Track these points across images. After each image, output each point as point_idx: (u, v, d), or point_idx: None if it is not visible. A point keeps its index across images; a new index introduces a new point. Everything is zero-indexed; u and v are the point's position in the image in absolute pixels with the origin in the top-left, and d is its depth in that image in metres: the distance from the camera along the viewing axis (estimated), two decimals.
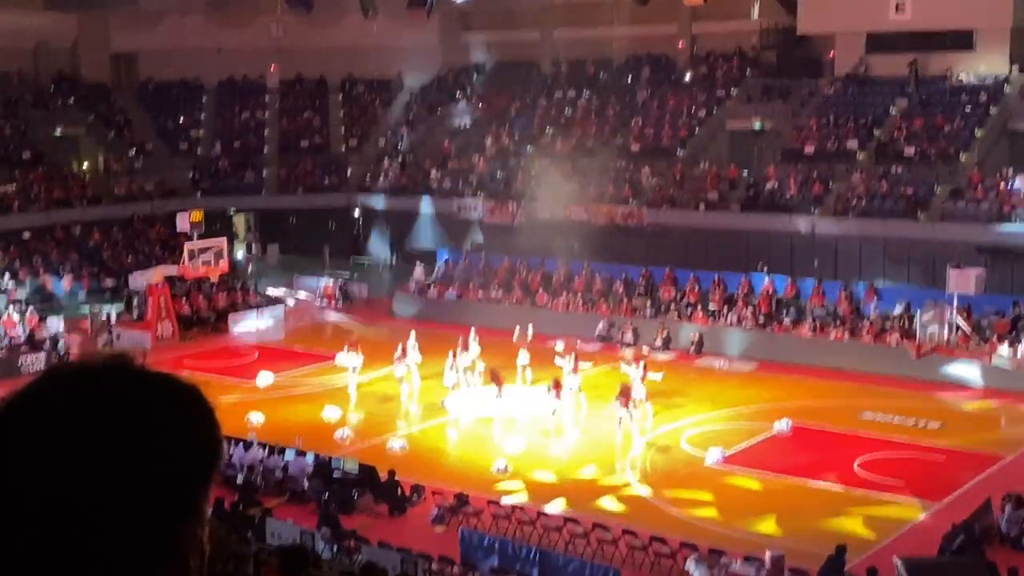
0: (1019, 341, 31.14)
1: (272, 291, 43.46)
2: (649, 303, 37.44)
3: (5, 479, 1.48)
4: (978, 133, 40.20)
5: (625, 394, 26.96)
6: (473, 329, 31.79)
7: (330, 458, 24.50)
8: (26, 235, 44.31)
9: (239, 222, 53.08)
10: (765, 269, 37.51)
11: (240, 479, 23.85)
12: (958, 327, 31.18)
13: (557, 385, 28.14)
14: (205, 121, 54.67)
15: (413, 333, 31.93)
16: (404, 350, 30.99)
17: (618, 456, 25.85)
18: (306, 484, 23.91)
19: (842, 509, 22.76)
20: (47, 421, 1.50)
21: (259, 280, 44.07)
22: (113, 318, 39.10)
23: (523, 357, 31.11)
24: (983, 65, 42.25)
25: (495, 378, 29.02)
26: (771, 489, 24.01)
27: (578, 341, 33.77)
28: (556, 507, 22.53)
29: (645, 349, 32.77)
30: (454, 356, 30.44)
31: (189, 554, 1.56)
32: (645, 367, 28.71)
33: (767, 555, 18.95)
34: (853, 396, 30.47)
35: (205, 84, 55.52)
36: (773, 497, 23.54)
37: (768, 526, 21.84)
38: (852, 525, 21.58)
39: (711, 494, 23.63)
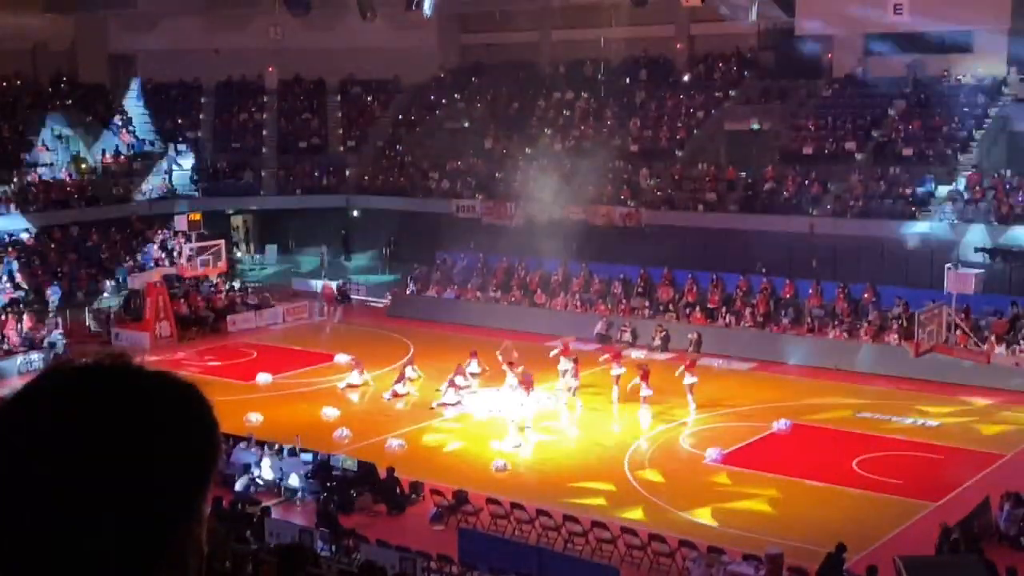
0: (1017, 341, 31.19)
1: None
2: (647, 303, 37.45)
3: (3, 479, 1.47)
4: (976, 134, 40.23)
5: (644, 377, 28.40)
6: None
7: (329, 457, 24.50)
8: (24, 236, 44.29)
9: (237, 223, 53.06)
10: (763, 270, 37.53)
11: (238, 478, 23.83)
12: (956, 327, 31.19)
13: (526, 381, 28.52)
14: (204, 122, 54.65)
15: (410, 358, 32.24)
16: (402, 375, 31.24)
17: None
18: (304, 483, 23.91)
19: (840, 508, 22.78)
20: (45, 421, 1.49)
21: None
22: (112, 318, 39.11)
23: (564, 363, 30.87)
24: (981, 67, 42.26)
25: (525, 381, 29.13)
26: (769, 488, 24.00)
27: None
28: (555, 506, 22.52)
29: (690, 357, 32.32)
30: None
31: (188, 554, 1.55)
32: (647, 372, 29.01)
33: (766, 553, 18.96)
34: (851, 396, 30.49)
35: (203, 85, 55.50)
36: (772, 496, 23.54)
37: (767, 524, 21.83)
38: (851, 523, 21.56)
39: (710, 493, 23.63)
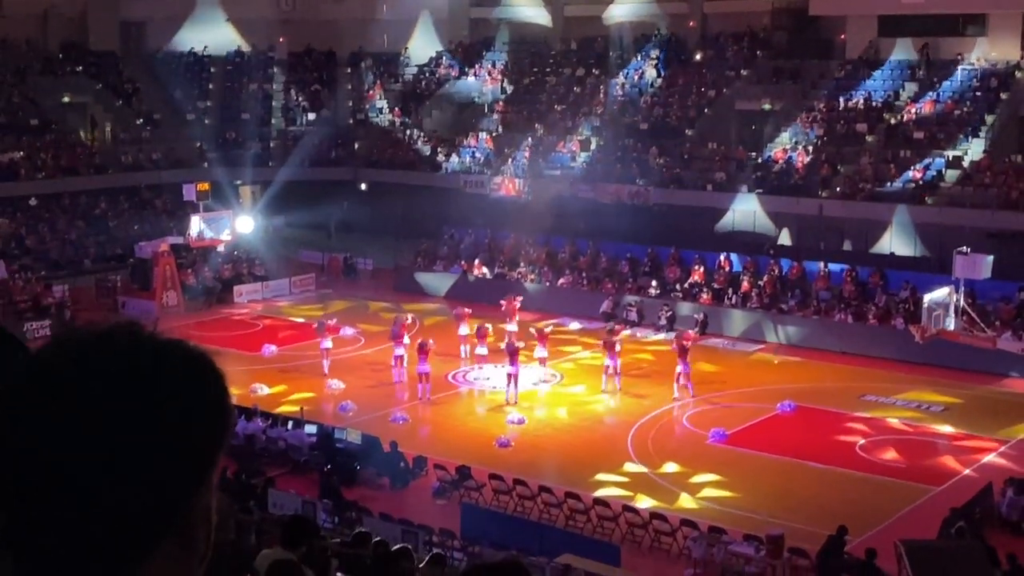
0: None
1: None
2: (654, 283, 37.40)
3: (13, 449, 1.45)
4: (988, 118, 40.02)
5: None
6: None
7: (333, 429, 24.56)
8: (33, 202, 44.37)
9: (245, 193, 52.96)
10: (771, 251, 37.44)
11: (243, 449, 23.92)
12: (963, 312, 31.11)
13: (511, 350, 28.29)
14: (213, 92, 54.51)
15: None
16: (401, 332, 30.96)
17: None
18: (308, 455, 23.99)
19: (843, 490, 22.81)
20: (56, 388, 1.47)
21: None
22: (118, 287, 39.18)
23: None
24: (995, 50, 42.02)
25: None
26: (772, 469, 24.04)
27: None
28: (557, 482, 22.58)
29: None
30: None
31: (197, 522, 1.53)
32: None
33: (767, 534, 19.01)
34: (856, 379, 30.48)
35: (213, 54, 55.36)
36: (774, 477, 23.58)
37: (768, 506, 21.86)
38: (852, 506, 21.59)
39: (712, 473, 23.66)
